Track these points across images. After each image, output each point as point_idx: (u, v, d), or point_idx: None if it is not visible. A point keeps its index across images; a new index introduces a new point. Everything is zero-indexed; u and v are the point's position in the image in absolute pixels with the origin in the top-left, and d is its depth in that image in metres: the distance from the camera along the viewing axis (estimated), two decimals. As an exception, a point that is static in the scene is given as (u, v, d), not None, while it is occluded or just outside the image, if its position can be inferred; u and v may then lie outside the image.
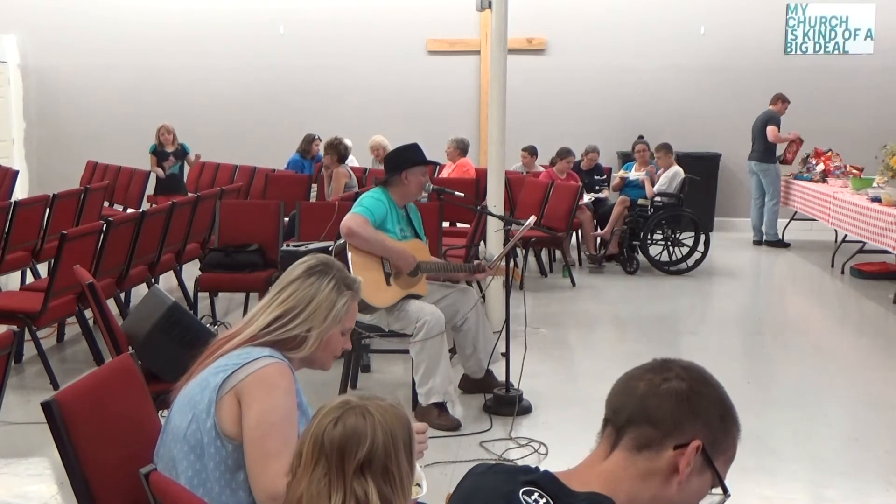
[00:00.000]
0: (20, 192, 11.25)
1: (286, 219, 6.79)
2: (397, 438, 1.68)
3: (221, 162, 10.88)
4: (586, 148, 9.98)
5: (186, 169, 10.53)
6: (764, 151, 10.34)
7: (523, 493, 1.37)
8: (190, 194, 9.24)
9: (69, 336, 6.13)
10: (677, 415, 1.41)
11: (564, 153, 9.36)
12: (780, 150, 10.43)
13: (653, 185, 9.16)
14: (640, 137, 10.64)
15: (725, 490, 1.44)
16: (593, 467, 1.46)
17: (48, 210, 7.18)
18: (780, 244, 10.34)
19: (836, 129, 11.25)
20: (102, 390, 2.31)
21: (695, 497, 1.44)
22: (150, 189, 10.32)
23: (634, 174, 9.44)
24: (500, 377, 4.85)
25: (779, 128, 10.24)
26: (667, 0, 11.76)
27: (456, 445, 4.24)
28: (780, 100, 10.38)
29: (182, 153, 10.34)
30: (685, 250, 8.91)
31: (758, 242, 10.53)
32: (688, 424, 1.41)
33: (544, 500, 1.37)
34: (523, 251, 8.18)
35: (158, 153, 10.27)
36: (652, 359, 1.52)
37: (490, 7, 6.33)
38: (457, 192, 5.31)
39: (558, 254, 8.97)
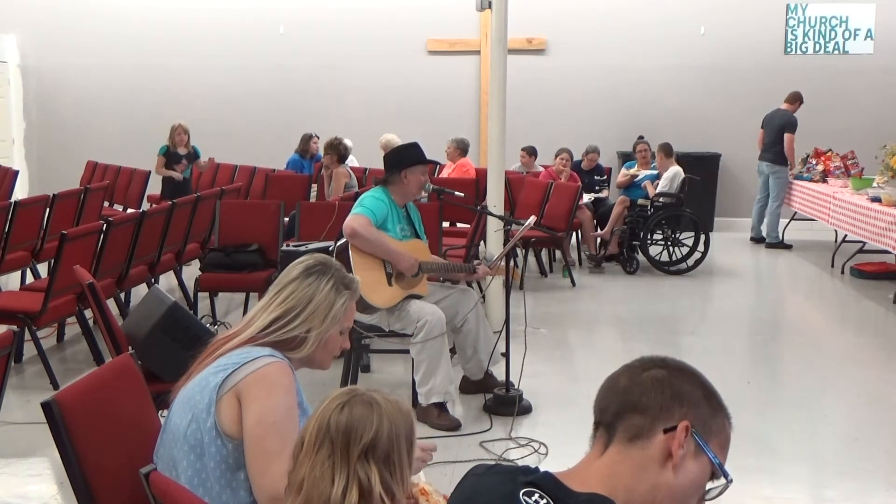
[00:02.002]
0: (20, 192, 11.25)
1: (286, 219, 6.79)
2: (400, 430, 1.72)
3: (221, 162, 10.88)
4: (587, 148, 9.99)
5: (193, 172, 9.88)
6: (779, 153, 10.27)
7: (524, 494, 1.37)
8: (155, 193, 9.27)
9: (69, 336, 6.12)
10: (662, 398, 1.43)
11: (558, 152, 9.37)
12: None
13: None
14: (641, 137, 10.64)
15: (726, 475, 1.44)
16: (590, 465, 1.46)
17: (48, 210, 7.18)
18: (782, 246, 10.34)
19: (836, 129, 11.24)
20: (102, 390, 2.31)
21: (695, 484, 1.44)
22: (152, 190, 10.30)
23: (645, 172, 9.42)
24: (500, 377, 4.85)
25: (795, 131, 10.18)
26: (667, 0, 11.75)
27: (456, 445, 4.24)
28: (799, 100, 10.28)
29: (194, 156, 9.59)
30: (685, 250, 8.91)
31: (754, 240, 10.55)
32: (674, 407, 1.43)
33: (545, 500, 1.37)
34: (523, 251, 8.18)
35: (170, 155, 9.43)
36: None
37: (490, 7, 6.33)
38: (457, 192, 5.30)
39: (558, 254, 8.97)
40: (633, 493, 1.41)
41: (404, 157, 4.69)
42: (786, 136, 10.18)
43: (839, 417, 4.81)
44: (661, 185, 9.03)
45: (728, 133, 11.53)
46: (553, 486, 1.40)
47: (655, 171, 9.30)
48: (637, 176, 9.43)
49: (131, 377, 2.45)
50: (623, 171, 9.78)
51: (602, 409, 1.48)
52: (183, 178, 9.48)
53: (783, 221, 10.61)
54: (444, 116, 11.75)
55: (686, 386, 1.45)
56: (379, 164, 9.44)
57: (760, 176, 10.54)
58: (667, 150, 9.17)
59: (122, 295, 6.29)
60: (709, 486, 1.46)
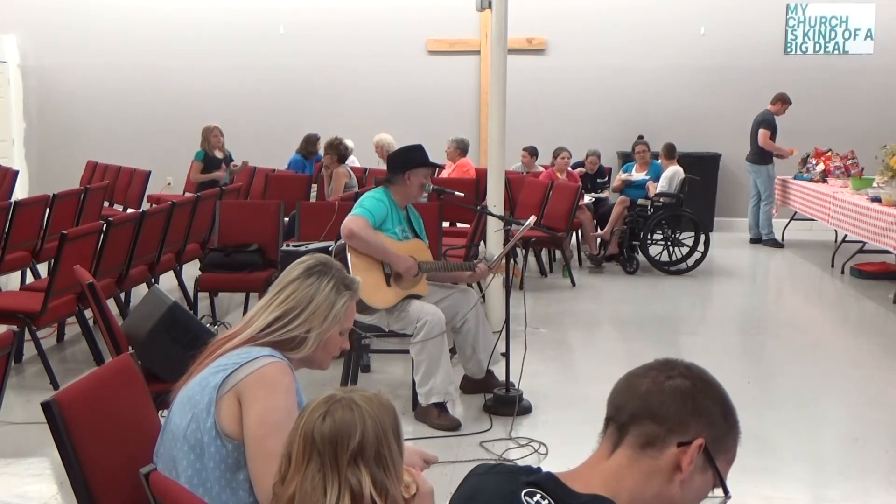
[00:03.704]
0: (20, 192, 11.24)
1: (286, 219, 6.79)
2: (385, 424, 1.71)
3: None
4: (587, 152, 10.07)
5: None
6: (757, 153, 10.44)
7: (525, 495, 1.37)
8: (189, 194, 9.22)
9: (69, 336, 6.12)
10: (681, 412, 1.42)
11: (557, 151, 9.40)
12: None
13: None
14: (640, 138, 10.64)
15: (726, 491, 1.44)
16: (595, 467, 1.46)
17: (48, 210, 7.17)
18: (773, 243, 10.37)
19: (836, 129, 11.25)
20: (102, 390, 2.30)
21: (697, 496, 1.44)
22: (152, 190, 10.31)
23: (638, 176, 9.43)
24: (500, 377, 4.85)
25: (773, 130, 10.28)
26: (667, 0, 11.75)
27: (456, 445, 4.24)
28: (780, 101, 10.42)
29: (229, 160, 9.18)
30: (685, 250, 8.91)
31: (754, 241, 10.57)
32: (692, 422, 1.42)
33: (546, 501, 1.37)
34: (523, 251, 8.18)
35: (209, 160, 8.92)
36: (654, 359, 1.52)
37: (490, 7, 6.33)
38: (457, 192, 5.31)
39: (558, 254, 8.97)
40: (636, 498, 1.41)
41: (409, 159, 4.70)
42: (759, 132, 10.29)
43: (839, 417, 4.81)
44: (661, 185, 9.04)
45: (728, 133, 11.52)
46: (555, 486, 1.40)
47: (645, 177, 9.29)
48: (631, 182, 9.43)
49: (131, 377, 2.45)
50: (620, 174, 9.80)
51: (618, 407, 1.47)
52: (224, 183, 8.88)
53: (783, 221, 10.62)
54: (444, 116, 11.75)
55: (708, 402, 1.44)
56: (379, 165, 9.50)
57: (749, 175, 10.69)
58: (669, 151, 9.18)
59: (122, 295, 6.29)
60: (707, 501, 1.46)
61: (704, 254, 8.84)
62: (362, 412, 1.70)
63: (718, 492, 1.45)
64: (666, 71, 11.78)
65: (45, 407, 2.07)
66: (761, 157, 10.39)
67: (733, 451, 1.48)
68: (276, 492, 1.74)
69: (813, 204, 9.56)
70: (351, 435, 1.67)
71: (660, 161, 9.34)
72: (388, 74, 12.05)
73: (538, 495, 1.37)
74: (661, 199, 8.93)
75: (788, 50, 11.78)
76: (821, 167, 10.11)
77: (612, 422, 1.47)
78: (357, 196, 5.52)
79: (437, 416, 4.45)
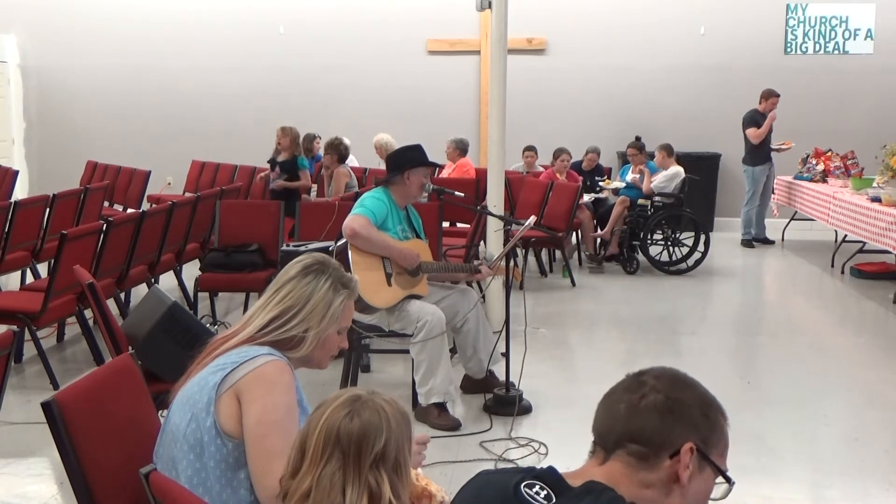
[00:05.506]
0: (20, 192, 11.25)
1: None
2: (403, 432, 1.73)
3: (221, 162, 10.89)
4: (587, 149, 10.02)
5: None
6: (748, 153, 10.41)
7: (525, 486, 1.40)
8: (189, 194, 9.22)
9: (69, 336, 6.12)
10: (663, 428, 1.43)
11: (558, 153, 9.38)
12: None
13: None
14: (637, 139, 10.60)
15: (729, 480, 1.45)
16: (591, 469, 1.48)
17: (48, 210, 7.18)
18: (748, 244, 10.37)
19: (836, 129, 11.25)
20: (102, 390, 2.30)
21: (701, 496, 1.45)
22: (152, 190, 10.32)
23: (630, 176, 9.41)
24: (501, 377, 4.85)
25: (758, 126, 10.23)
26: (667, 0, 11.75)
27: (456, 445, 4.24)
28: (766, 97, 10.36)
29: (293, 167, 8.25)
30: (685, 250, 8.90)
31: (757, 240, 10.58)
32: (675, 433, 1.43)
33: (545, 491, 1.39)
34: (523, 251, 8.18)
35: (272, 160, 8.47)
36: (626, 375, 1.53)
37: (490, 7, 6.33)
38: (457, 192, 5.31)
39: (558, 254, 8.97)
40: (635, 500, 1.42)
41: (408, 159, 4.71)
42: (747, 132, 10.29)
43: (839, 417, 4.80)
44: (660, 183, 8.97)
45: (728, 133, 11.49)
46: (554, 479, 1.43)
47: (625, 183, 9.28)
48: (620, 188, 9.41)
49: (131, 377, 2.45)
50: (612, 182, 9.80)
51: (601, 433, 1.49)
52: (271, 189, 8.29)
53: (783, 221, 10.62)
54: (444, 116, 11.75)
55: (685, 408, 1.45)
56: (379, 165, 9.49)
57: None
58: (668, 149, 9.16)
59: (122, 295, 6.29)
60: (713, 491, 1.47)
61: (704, 254, 8.84)
62: (388, 417, 1.70)
63: (720, 479, 1.46)
64: (666, 71, 11.78)
65: (45, 407, 2.07)
66: (750, 157, 10.37)
67: (725, 440, 1.49)
68: (284, 485, 1.73)
69: (813, 204, 9.56)
70: (377, 438, 1.67)
71: (655, 159, 9.27)
72: (388, 74, 12.05)
73: (537, 486, 1.40)
74: (661, 199, 8.91)
75: (788, 50, 11.79)
76: (821, 167, 10.11)
77: (598, 446, 1.50)
78: (357, 196, 5.52)
79: (437, 416, 4.46)
